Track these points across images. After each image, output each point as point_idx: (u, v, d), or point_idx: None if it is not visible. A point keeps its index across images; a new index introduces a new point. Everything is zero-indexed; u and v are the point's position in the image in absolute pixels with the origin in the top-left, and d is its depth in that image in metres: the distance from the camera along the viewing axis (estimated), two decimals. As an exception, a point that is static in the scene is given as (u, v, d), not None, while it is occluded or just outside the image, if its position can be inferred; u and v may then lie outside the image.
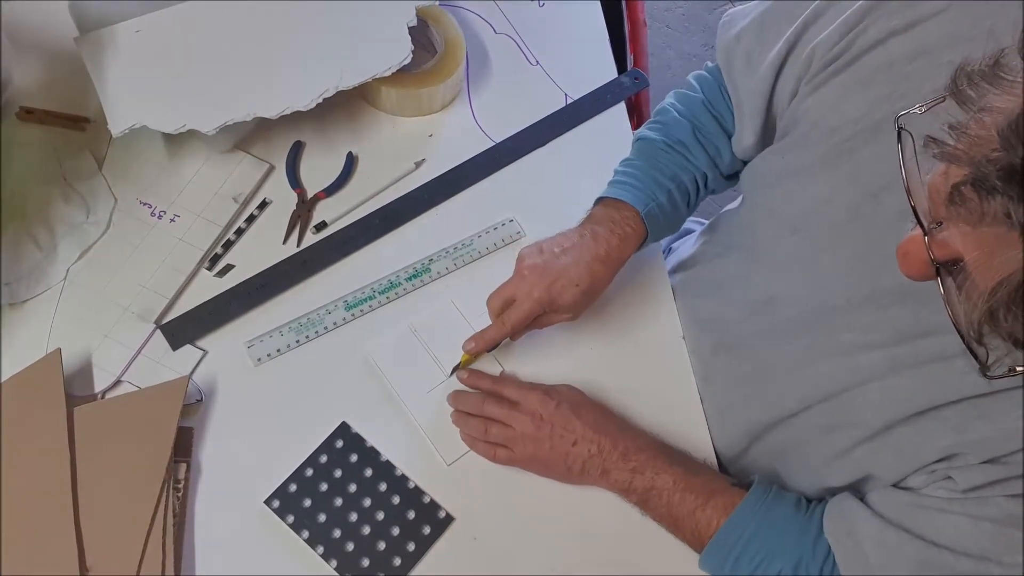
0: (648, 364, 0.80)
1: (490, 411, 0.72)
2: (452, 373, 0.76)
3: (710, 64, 0.82)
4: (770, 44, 0.69)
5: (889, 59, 0.59)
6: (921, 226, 0.43)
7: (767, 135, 0.73)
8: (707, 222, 0.92)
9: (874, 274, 0.60)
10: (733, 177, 0.82)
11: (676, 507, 0.68)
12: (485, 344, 0.72)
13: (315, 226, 0.83)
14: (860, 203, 0.60)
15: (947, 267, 0.42)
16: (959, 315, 0.42)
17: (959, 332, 0.42)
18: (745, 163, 0.79)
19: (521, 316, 0.71)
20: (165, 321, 0.76)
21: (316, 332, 0.77)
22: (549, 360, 0.79)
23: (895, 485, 0.62)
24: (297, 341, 0.76)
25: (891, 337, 0.60)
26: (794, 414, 0.68)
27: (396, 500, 0.70)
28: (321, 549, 0.68)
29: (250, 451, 0.71)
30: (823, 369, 0.65)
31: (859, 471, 0.65)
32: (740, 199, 0.82)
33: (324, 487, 0.70)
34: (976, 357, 0.42)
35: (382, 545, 0.68)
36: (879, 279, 0.60)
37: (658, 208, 0.76)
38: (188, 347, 0.75)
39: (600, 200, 0.78)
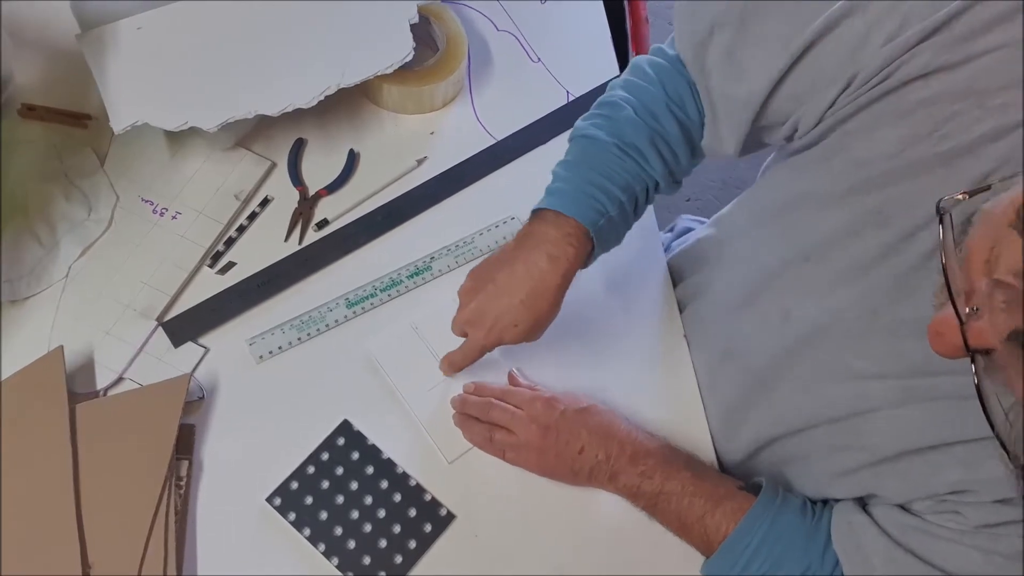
0: (650, 365, 0.80)
1: (495, 417, 0.72)
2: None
3: (668, 50, 0.72)
4: (762, 48, 0.62)
5: (932, 95, 0.53)
6: (958, 316, 0.40)
7: (751, 143, 0.68)
8: (708, 220, 0.91)
9: (896, 307, 0.58)
10: (681, 181, 0.76)
11: (685, 512, 0.67)
12: (456, 371, 0.74)
13: (317, 224, 0.83)
14: (893, 243, 0.57)
15: (983, 353, 0.41)
16: (995, 412, 0.40)
17: (994, 431, 0.40)
18: (699, 162, 0.75)
19: (475, 357, 0.71)
20: (167, 318, 0.76)
21: (318, 329, 0.77)
22: (550, 362, 0.78)
23: (900, 505, 0.62)
24: (299, 339, 0.76)
25: (905, 369, 0.58)
26: (799, 431, 0.67)
27: (397, 498, 0.70)
28: (322, 547, 0.68)
29: (252, 448, 0.71)
30: (831, 391, 0.63)
31: (863, 490, 0.64)
32: (741, 200, 0.80)
33: (325, 485, 0.70)
34: (1006, 448, 0.41)
35: (383, 543, 0.68)
36: (900, 312, 0.57)
37: (608, 224, 0.68)
38: (190, 344, 0.75)
39: (539, 211, 0.69)
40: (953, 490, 0.57)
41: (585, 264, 0.70)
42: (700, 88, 0.68)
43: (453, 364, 0.73)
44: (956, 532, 0.57)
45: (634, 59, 0.74)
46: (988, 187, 0.42)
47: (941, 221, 0.42)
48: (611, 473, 0.69)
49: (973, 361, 0.41)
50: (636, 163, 0.69)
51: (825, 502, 0.68)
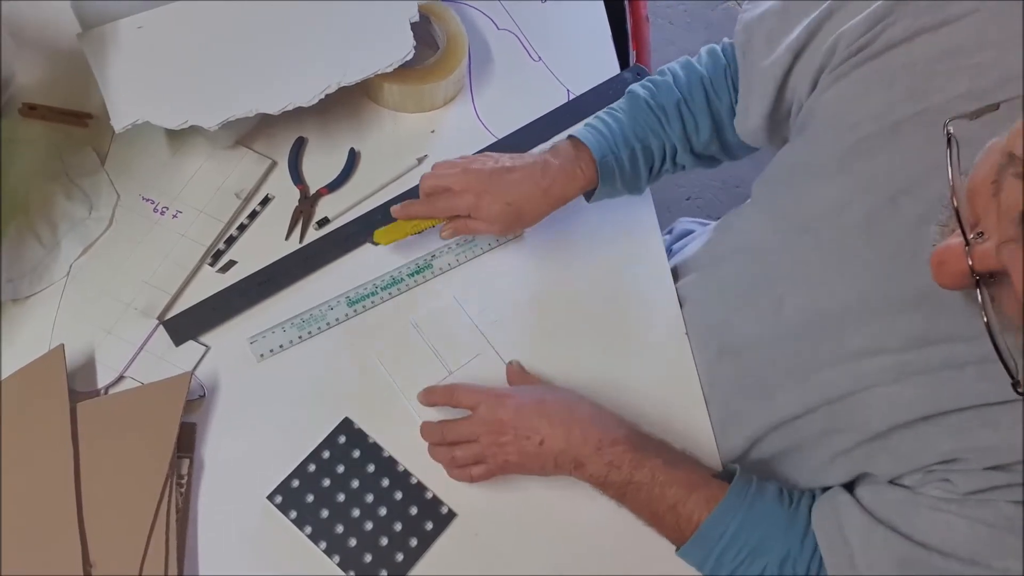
0: (650, 365, 0.80)
1: (451, 435, 0.70)
2: (375, 243, 0.80)
3: (727, 40, 0.81)
4: (791, 27, 0.68)
5: (914, 58, 0.57)
6: (965, 237, 0.41)
7: (776, 122, 0.72)
8: (710, 223, 0.91)
9: (888, 280, 0.59)
10: (709, 159, 0.81)
11: (656, 502, 0.66)
12: (407, 214, 0.77)
13: (317, 222, 0.83)
14: (877, 208, 0.59)
15: (986, 279, 0.41)
16: (997, 329, 0.41)
17: (995, 345, 0.41)
18: (726, 147, 0.79)
19: (447, 209, 0.74)
20: (168, 317, 0.76)
21: (318, 328, 0.77)
22: (552, 361, 0.78)
23: (891, 481, 0.62)
24: (299, 337, 0.76)
25: (900, 344, 0.58)
26: (796, 417, 0.67)
27: (398, 496, 0.70)
28: (324, 545, 0.68)
29: (253, 447, 0.71)
30: (828, 375, 0.64)
31: (855, 469, 0.64)
32: (748, 201, 0.81)
33: (327, 483, 0.70)
34: (1010, 372, 0.41)
35: (384, 541, 0.68)
36: (892, 285, 0.58)
37: (615, 161, 0.76)
38: (191, 343, 0.75)
39: (570, 136, 0.78)
40: (943, 459, 0.57)
41: (586, 193, 0.78)
42: (741, 68, 0.75)
43: (409, 211, 0.77)
44: (943, 500, 0.57)
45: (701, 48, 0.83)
46: (996, 106, 0.42)
47: (949, 144, 0.43)
48: (575, 463, 0.67)
49: (978, 285, 0.42)
50: (657, 120, 0.78)
51: (803, 492, 0.68)
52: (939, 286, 0.45)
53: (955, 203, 0.42)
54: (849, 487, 0.66)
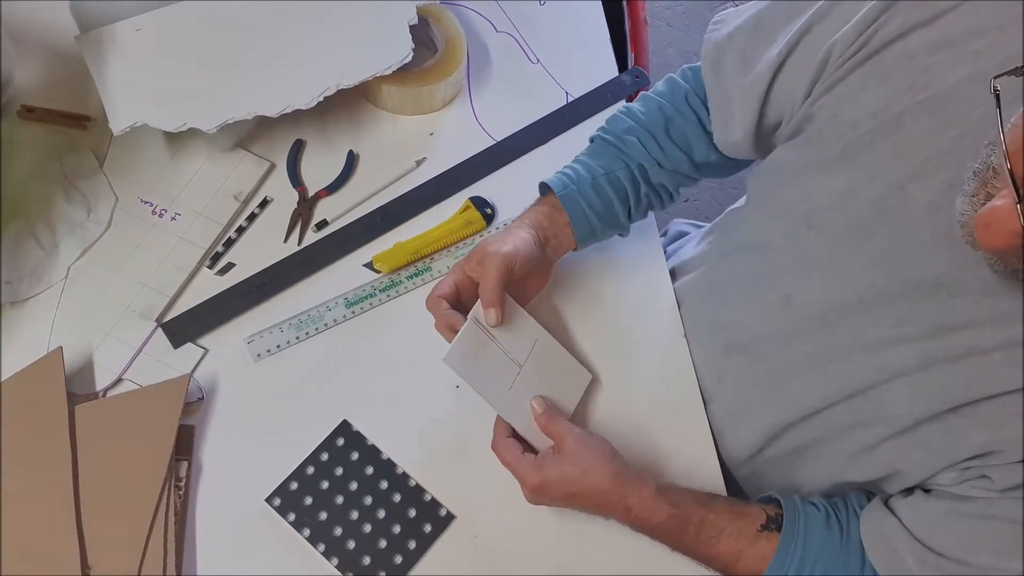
0: (649, 366, 0.80)
1: (507, 456, 0.67)
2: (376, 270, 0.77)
3: (686, 68, 0.82)
4: (767, 43, 0.68)
5: (910, 52, 0.58)
6: (1017, 193, 0.42)
7: (761, 135, 0.72)
8: (706, 225, 0.91)
9: (904, 267, 0.59)
10: (686, 177, 0.80)
11: (708, 564, 0.67)
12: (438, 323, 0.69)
13: (316, 224, 0.83)
14: (884, 196, 0.59)
15: None
16: None
17: None
18: (698, 165, 0.79)
19: (445, 283, 0.69)
20: (166, 319, 0.76)
21: (316, 328, 0.77)
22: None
23: (924, 483, 0.61)
24: (297, 337, 0.76)
25: (922, 331, 0.58)
26: (816, 412, 0.67)
27: (397, 498, 0.70)
28: (322, 547, 0.68)
29: (251, 449, 0.71)
30: (847, 366, 0.63)
31: (885, 468, 0.63)
32: (744, 199, 0.81)
33: (325, 485, 0.70)
34: None
35: (383, 543, 0.68)
36: (909, 272, 0.58)
37: (578, 193, 0.75)
38: (189, 345, 0.75)
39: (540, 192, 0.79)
40: (978, 453, 0.56)
41: (565, 225, 0.75)
42: (713, 87, 0.75)
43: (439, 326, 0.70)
44: (984, 503, 0.56)
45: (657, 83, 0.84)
46: None
47: (999, 104, 0.44)
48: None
49: None
50: (615, 147, 0.79)
51: (847, 506, 0.67)
52: (984, 249, 0.46)
53: (1008, 160, 0.42)
54: (884, 498, 0.65)
